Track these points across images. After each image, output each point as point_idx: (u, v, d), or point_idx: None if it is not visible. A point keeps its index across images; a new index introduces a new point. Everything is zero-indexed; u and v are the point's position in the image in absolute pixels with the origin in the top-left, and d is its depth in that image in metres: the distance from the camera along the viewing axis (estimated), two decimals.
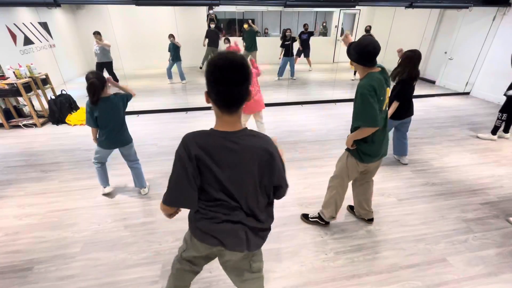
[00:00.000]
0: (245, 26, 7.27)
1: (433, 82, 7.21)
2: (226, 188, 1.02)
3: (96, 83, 2.18)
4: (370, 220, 2.37)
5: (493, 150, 3.65)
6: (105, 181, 2.68)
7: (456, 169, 3.21)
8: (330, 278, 1.87)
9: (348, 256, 2.05)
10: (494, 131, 3.94)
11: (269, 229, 1.18)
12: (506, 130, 3.97)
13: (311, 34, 7.67)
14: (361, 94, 1.66)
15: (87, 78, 2.21)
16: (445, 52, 6.70)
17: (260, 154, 0.99)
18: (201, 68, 8.31)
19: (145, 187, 2.76)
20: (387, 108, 1.82)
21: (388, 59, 7.99)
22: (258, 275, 1.28)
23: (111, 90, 2.40)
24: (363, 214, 2.36)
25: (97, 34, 5.79)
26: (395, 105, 2.90)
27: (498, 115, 3.84)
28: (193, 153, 0.97)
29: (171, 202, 1.06)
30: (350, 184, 2.22)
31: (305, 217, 2.41)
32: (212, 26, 7.48)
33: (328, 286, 1.82)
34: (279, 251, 2.09)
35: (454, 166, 3.29)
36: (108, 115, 2.32)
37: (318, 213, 2.34)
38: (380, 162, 2.09)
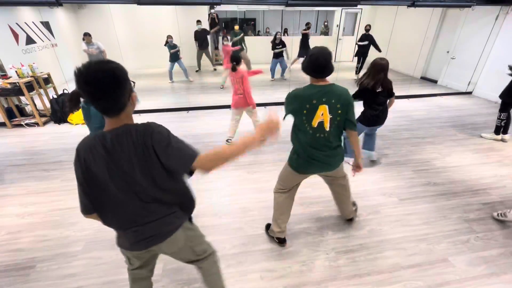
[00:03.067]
0: (236, 27, 7.28)
1: (435, 82, 7.18)
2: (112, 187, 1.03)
3: (75, 92, 2.04)
4: (350, 220, 2.38)
5: (495, 150, 3.63)
6: None
7: (458, 169, 3.20)
8: (331, 278, 1.87)
9: (349, 255, 2.05)
10: (496, 131, 3.91)
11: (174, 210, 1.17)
12: (504, 132, 3.96)
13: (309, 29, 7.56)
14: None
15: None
16: (448, 51, 6.67)
17: (138, 138, 0.96)
18: (197, 71, 8.27)
19: None
20: (326, 128, 1.68)
21: (390, 58, 7.97)
22: (205, 255, 1.35)
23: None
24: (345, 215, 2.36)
25: (87, 36, 5.62)
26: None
27: (498, 114, 3.84)
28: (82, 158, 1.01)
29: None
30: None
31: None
32: (199, 26, 7.19)
33: (329, 286, 1.82)
34: (280, 250, 2.10)
35: (456, 166, 3.28)
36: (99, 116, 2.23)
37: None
38: (336, 173, 2.05)
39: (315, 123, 1.67)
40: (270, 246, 2.13)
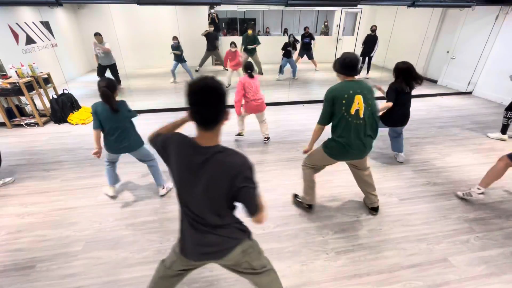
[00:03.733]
0: (249, 31, 7.20)
1: (435, 82, 7.18)
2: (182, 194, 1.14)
3: (107, 92, 2.16)
4: (374, 209, 2.47)
5: (495, 150, 3.63)
6: (112, 180, 2.65)
7: (458, 169, 3.20)
8: (331, 278, 1.87)
9: (349, 255, 2.05)
10: (503, 130, 3.89)
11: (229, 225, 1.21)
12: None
13: (312, 37, 7.65)
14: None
15: (99, 86, 2.19)
16: (448, 51, 6.67)
17: (229, 172, 1.03)
18: (196, 71, 8.24)
19: (162, 187, 2.70)
20: (362, 116, 1.97)
21: (390, 58, 7.98)
22: (264, 269, 1.35)
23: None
24: (367, 203, 2.52)
25: (98, 35, 5.69)
26: (385, 104, 2.94)
27: (504, 113, 3.81)
28: (163, 141, 1.17)
29: None
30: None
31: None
32: (211, 29, 7.37)
33: (329, 286, 1.82)
34: (280, 250, 2.10)
35: (456, 166, 3.28)
36: (110, 120, 2.28)
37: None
38: (363, 162, 2.29)
39: (352, 110, 1.95)
40: (270, 246, 2.14)
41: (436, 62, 7.24)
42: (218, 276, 1.88)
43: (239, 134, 3.88)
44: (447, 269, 1.94)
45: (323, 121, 2.09)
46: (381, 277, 1.87)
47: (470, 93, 6.27)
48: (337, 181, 2.96)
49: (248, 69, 3.43)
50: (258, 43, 7.17)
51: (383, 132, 3.30)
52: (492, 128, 4.21)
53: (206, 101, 0.96)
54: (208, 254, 1.21)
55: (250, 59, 7.15)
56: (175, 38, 6.53)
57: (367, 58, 7.33)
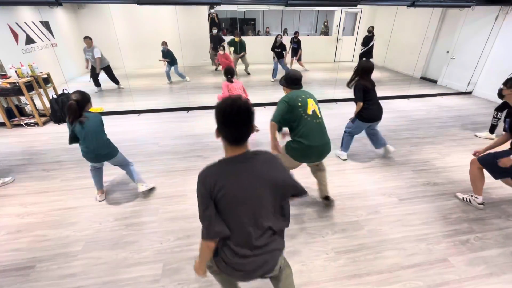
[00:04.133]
0: (236, 39, 7.21)
1: (435, 82, 7.18)
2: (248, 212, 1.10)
3: (73, 106, 2.14)
4: (326, 198, 2.56)
5: (495, 150, 3.62)
6: (98, 184, 2.63)
7: (457, 169, 3.20)
8: (331, 278, 1.87)
9: (349, 255, 2.05)
10: (491, 130, 3.92)
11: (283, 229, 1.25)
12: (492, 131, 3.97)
13: (299, 46, 7.75)
14: (279, 101, 2.21)
15: (69, 98, 2.20)
16: (447, 52, 6.67)
17: (269, 180, 1.10)
18: (217, 69, 8.35)
19: (142, 184, 2.69)
20: (319, 115, 2.19)
21: (389, 58, 7.99)
22: (290, 270, 1.40)
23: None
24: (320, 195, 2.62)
25: (88, 39, 5.63)
26: (357, 105, 3.04)
27: (494, 113, 3.85)
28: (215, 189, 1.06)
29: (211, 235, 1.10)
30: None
31: None
32: (215, 31, 7.51)
33: (329, 286, 1.82)
34: None
35: (455, 166, 3.28)
36: (85, 132, 2.25)
37: None
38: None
39: (309, 111, 2.14)
40: None
41: (436, 62, 7.24)
42: None
43: None
44: (447, 269, 1.94)
45: (277, 120, 2.17)
46: (381, 277, 1.87)
47: (470, 93, 6.27)
48: (337, 181, 2.96)
49: (228, 74, 3.56)
50: (244, 50, 7.24)
51: (383, 132, 3.30)
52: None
53: (241, 122, 1.02)
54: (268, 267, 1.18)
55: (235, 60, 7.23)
56: (164, 43, 6.56)
57: (365, 59, 7.36)
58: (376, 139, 3.32)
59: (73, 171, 3.16)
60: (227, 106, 1.01)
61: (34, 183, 2.94)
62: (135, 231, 2.27)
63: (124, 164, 2.65)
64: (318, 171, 2.50)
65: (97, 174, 2.59)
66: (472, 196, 2.56)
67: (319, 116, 2.19)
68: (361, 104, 2.99)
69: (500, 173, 2.30)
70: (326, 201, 2.55)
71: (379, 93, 3.14)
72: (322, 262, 1.99)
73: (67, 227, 2.33)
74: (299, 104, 2.12)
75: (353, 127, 3.21)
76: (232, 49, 7.27)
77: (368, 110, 3.01)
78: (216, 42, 7.53)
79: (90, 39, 5.65)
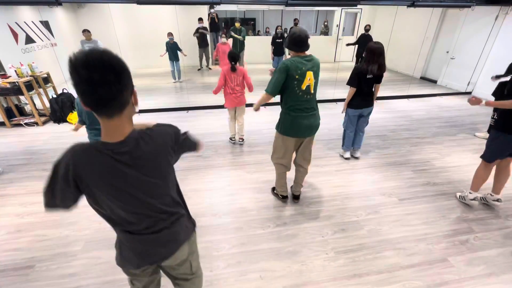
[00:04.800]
0: (237, 25, 6.99)
1: (434, 82, 7.19)
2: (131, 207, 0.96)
3: None
4: (296, 198, 2.63)
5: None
6: None
7: (457, 169, 3.20)
8: (331, 278, 1.87)
9: (349, 255, 2.05)
10: (490, 130, 3.92)
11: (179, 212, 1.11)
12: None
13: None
14: (277, 68, 2.05)
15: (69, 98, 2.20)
16: (447, 52, 6.67)
17: (165, 149, 0.95)
18: (199, 69, 8.35)
19: None
20: (312, 91, 2.09)
21: (389, 58, 7.98)
22: (197, 274, 1.26)
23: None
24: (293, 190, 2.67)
25: (87, 32, 5.55)
26: (350, 90, 3.01)
27: (492, 114, 3.85)
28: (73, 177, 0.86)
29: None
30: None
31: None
32: (200, 24, 7.38)
33: (328, 286, 1.82)
34: (279, 250, 2.09)
35: (455, 166, 3.28)
36: (89, 116, 2.24)
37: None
38: (307, 143, 2.32)
39: (304, 86, 2.04)
40: (270, 246, 2.14)
41: (435, 62, 7.25)
42: (218, 276, 1.87)
43: (230, 139, 3.82)
44: (446, 269, 1.94)
45: (272, 91, 2.09)
46: (380, 277, 1.87)
47: (469, 93, 6.27)
48: (337, 181, 2.96)
49: (232, 60, 3.25)
50: (244, 35, 7.10)
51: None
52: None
53: (97, 77, 0.72)
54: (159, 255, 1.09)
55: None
56: (170, 34, 6.46)
57: (361, 58, 7.32)
58: (356, 138, 3.34)
59: None
60: (75, 56, 0.73)
61: (34, 182, 2.94)
62: None
63: None
64: (300, 167, 2.46)
65: None
66: (466, 193, 2.58)
67: (312, 92, 2.09)
68: (354, 89, 2.95)
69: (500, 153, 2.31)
70: (296, 200, 2.63)
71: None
72: (321, 262, 1.99)
73: (67, 226, 2.33)
74: (296, 76, 1.99)
75: (346, 119, 3.22)
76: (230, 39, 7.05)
77: (358, 98, 3.01)
78: (201, 38, 7.45)
79: (89, 32, 5.60)
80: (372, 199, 2.68)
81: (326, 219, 2.42)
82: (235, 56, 3.26)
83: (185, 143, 1.08)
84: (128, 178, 0.90)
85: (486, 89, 5.91)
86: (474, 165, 3.29)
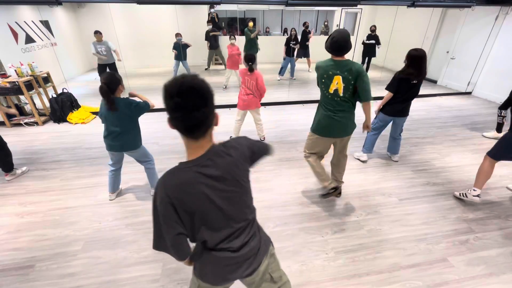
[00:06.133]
0: (250, 24, 6.90)
1: (434, 82, 7.19)
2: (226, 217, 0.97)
3: (103, 88, 2.09)
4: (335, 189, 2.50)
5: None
6: (111, 187, 2.61)
7: (457, 169, 3.20)
8: (331, 278, 1.87)
9: (349, 255, 2.05)
10: (498, 129, 3.91)
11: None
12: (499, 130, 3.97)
13: (309, 33, 7.33)
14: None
15: (100, 80, 2.15)
16: (447, 52, 6.67)
17: (238, 163, 0.97)
18: (206, 69, 8.34)
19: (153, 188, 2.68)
20: (341, 94, 2.08)
21: (389, 58, 7.99)
22: (281, 283, 1.19)
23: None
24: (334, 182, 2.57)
25: (98, 33, 5.56)
26: (386, 95, 2.95)
27: (498, 112, 3.84)
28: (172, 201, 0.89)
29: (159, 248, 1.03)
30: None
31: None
32: (209, 27, 7.34)
33: (328, 286, 1.82)
34: (279, 250, 2.09)
35: (455, 166, 3.28)
36: (108, 116, 2.24)
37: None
38: (342, 142, 2.36)
39: (331, 89, 2.08)
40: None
41: (436, 62, 7.25)
42: None
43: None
44: (446, 269, 1.94)
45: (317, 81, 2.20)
46: (380, 277, 1.88)
47: (469, 93, 6.27)
48: None
49: (249, 61, 3.25)
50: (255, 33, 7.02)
51: (383, 132, 3.30)
52: (491, 128, 4.21)
53: (188, 104, 0.80)
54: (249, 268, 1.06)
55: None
56: (178, 34, 6.45)
57: (367, 58, 7.36)
58: (392, 145, 3.32)
59: (72, 171, 3.15)
60: (171, 83, 0.81)
61: (33, 182, 2.94)
62: (134, 231, 2.27)
63: (144, 161, 2.57)
64: (341, 158, 2.48)
65: (114, 176, 2.56)
66: (468, 190, 2.56)
67: (341, 95, 2.07)
68: (391, 94, 2.90)
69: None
70: (333, 191, 2.47)
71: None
72: (321, 262, 1.99)
73: (67, 226, 2.33)
74: (323, 80, 2.09)
75: (375, 122, 3.15)
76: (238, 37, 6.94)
77: (395, 104, 2.95)
78: (213, 40, 7.43)
79: (101, 33, 5.59)
80: (372, 199, 2.68)
81: (326, 219, 2.42)
82: (251, 57, 3.29)
83: (259, 151, 1.12)
84: (214, 190, 0.92)
85: (486, 89, 5.92)
86: (474, 165, 3.30)
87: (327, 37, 2.04)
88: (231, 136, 3.77)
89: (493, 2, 5.29)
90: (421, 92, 6.34)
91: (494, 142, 3.78)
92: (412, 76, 2.80)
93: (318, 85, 2.20)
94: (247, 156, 1.02)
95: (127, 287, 1.81)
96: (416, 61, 2.79)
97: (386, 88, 2.93)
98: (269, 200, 2.66)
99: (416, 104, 5.56)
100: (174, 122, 0.85)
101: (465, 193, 2.58)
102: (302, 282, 1.84)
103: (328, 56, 2.09)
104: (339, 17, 9.77)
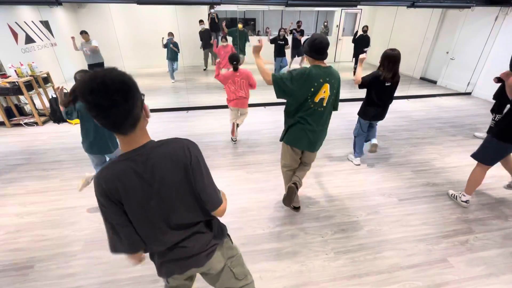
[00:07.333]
0: (240, 26, 6.92)
1: (434, 82, 7.19)
2: (155, 215, 0.93)
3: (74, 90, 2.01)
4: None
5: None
6: None
7: (457, 170, 3.20)
8: (331, 278, 1.87)
9: (349, 256, 2.05)
10: (489, 131, 3.93)
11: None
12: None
13: (302, 34, 7.29)
14: (292, 72, 1.90)
15: (75, 78, 2.14)
16: (447, 52, 6.68)
17: (179, 158, 0.89)
18: (204, 70, 8.38)
19: None
20: (324, 104, 1.97)
21: None
22: (245, 282, 1.22)
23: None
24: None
25: (85, 33, 5.53)
26: (357, 76, 2.84)
27: (493, 116, 3.86)
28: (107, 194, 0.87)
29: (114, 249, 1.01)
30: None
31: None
32: (202, 26, 7.35)
33: (328, 286, 1.82)
34: (279, 250, 2.09)
35: (455, 166, 3.28)
36: (82, 117, 2.19)
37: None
38: (313, 156, 2.30)
39: (317, 98, 1.92)
40: (269, 246, 2.13)
41: (435, 62, 7.25)
42: None
43: (232, 139, 3.84)
44: (446, 269, 1.94)
45: (278, 86, 1.90)
46: (380, 277, 1.87)
47: (469, 93, 6.28)
48: (337, 181, 2.96)
49: (234, 60, 3.25)
50: (246, 40, 7.10)
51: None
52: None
53: (105, 103, 0.73)
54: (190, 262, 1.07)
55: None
56: (170, 34, 6.47)
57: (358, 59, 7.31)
58: (370, 133, 3.30)
59: (72, 171, 3.15)
60: (81, 81, 0.74)
61: (33, 182, 2.94)
62: None
63: None
64: (303, 166, 2.37)
65: None
66: (460, 193, 2.58)
67: (324, 105, 1.96)
68: (360, 78, 2.81)
69: (494, 158, 2.34)
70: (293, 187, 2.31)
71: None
72: (321, 262, 1.99)
73: (67, 226, 2.32)
74: (312, 88, 1.87)
75: (357, 127, 3.18)
76: (230, 39, 6.90)
77: (371, 108, 2.97)
78: (205, 39, 7.48)
79: (87, 33, 5.55)
80: (372, 199, 2.68)
81: (326, 219, 2.42)
82: (235, 57, 3.29)
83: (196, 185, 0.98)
84: (143, 186, 0.88)
85: (486, 90, 5.92)
86: (473, 165, 3.28)
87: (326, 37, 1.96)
88: (232, 139, 3.77)
89: (493, 2, 5.29)
90: (421, 92, 6.40)
91: None
92: (382, 76, 2.75)
93: (298, 94, 1.90)
94: (185, 157, 0.91)
95: None
96: (389, 61, 2.73)
97: (362, 77, 2.86)
98: (269, 200, 2.66)
99: (416, 105, 5.57)
100: (96, 120, 0.77)
101: (456, 196, 2.62)
102: (302, 282, 1.84)
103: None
104: (339, 18, 9.77)
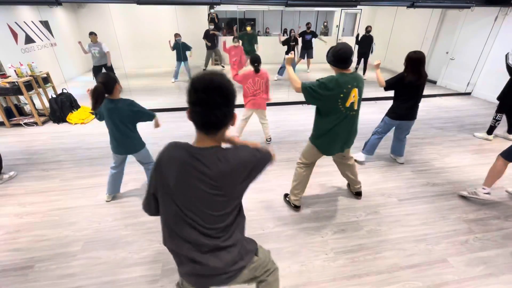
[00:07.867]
0: (248, 28, 7.00)
1: (434, 82, 7.19)
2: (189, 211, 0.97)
3: (99, 88, 1.99)
4: (358, 194, 2.67)
5: (494, 150, 3.63)
6: (111, 189, 2.59)
7: (457, 170, 3.20)
8: (330, 278, 1.87)
9: (349, 256, 2.05)
10: (489, 131, 3.94)
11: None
12: (510, 131, 3.97)
13: (315, 35, 7.39)
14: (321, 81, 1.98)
15: (96, 80, 2.12)
16: (447, 52, 6.68)
17: (246, 160, 0.98)
18: (204, 69, 8.37)
19: None
20: (355, 108, 2.04)
21: (389, 59, 7.99)
22: (266, 275, 1.27)
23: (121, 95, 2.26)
24: (352, 189, 2.71)
25: (93, 35, 5.58)
26: (380, 75, 2.93)
27: (494, 115, 3.87)
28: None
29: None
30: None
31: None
32: (211, 27, 7.45)
33: (328, 286, 1.82)
34: (279, 250, 2.09)
35: (455, 166, 3.28)
36: (109, 118, 2.21)
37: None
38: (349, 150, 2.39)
39: (348, 103, 1.99)
40: (270, 246, 2.13)
41: (435, 62, 7.26)
42: None
43: None
44: (446, 269, 1.94)
45: (308, 95, 1.99)
46: (380, 278, 1.87)
47: (469, 94, 6.28)
48: (337, 181, 2.96)
49: (255, 62, 3.32)
50: (256, 42, 7.14)
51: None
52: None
53: (211, 102, 0.84)
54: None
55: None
56: (177, 35, 6.49)
57: (362, 59, 7.36)
58: (397, 147, 3.27)
59: (72, 171, 3.15)
60: (199, 78, 0.85)
61: (33, 182, 2.94)
62: (134, 231, 2.27)
63: (145, 162, 2.57)
64: (345, 163, 2.48)
65: (113, 177, 2.54)
66: (478, 188, 2.57)
67: (355, 108, 2.04)
68: (384, 84, 2.89)
69: None
70: (358, 197, 2.66)
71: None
72: (321, 263, 1.99)
73: (66, 227, 2.32)
74: (341, 95, 1.94)
75: (381, 125, 3.13)
76: (240, 42, 6.89)
77: (399, 107, 2.96)
78: (212, 40, 7.53)
79: (96, 34, 5.60)
80: (372, 199, 2.68)
81: (325, 219, 2.42)
82: (256, 58, 3.36)
83: (261, 167, 1.10)
84: (194, 180, 0.93)
85: (485, 90, 5.93)
86: (473, 165, 3.31)
87: (325, 37, 2.03)
88: (267, 140, 3.79)
89: (493, 2, 5.30)
90: None
91: (496, 143, 3.82)
92: (412, 81, 2.84)
93: (329, 102, 1.98)
94: (247, 171, 1.01)
95: None
96: (413, 64, 2.83)
97: (386, 80, 2.92)
98: (269, 200, 2.66)
99: None
100: (193, 115, 0.88)
101: (475, 192, 2.58)
102: (302, 282, 1.84)
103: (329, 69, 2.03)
104: (338, 18, 9.78)
